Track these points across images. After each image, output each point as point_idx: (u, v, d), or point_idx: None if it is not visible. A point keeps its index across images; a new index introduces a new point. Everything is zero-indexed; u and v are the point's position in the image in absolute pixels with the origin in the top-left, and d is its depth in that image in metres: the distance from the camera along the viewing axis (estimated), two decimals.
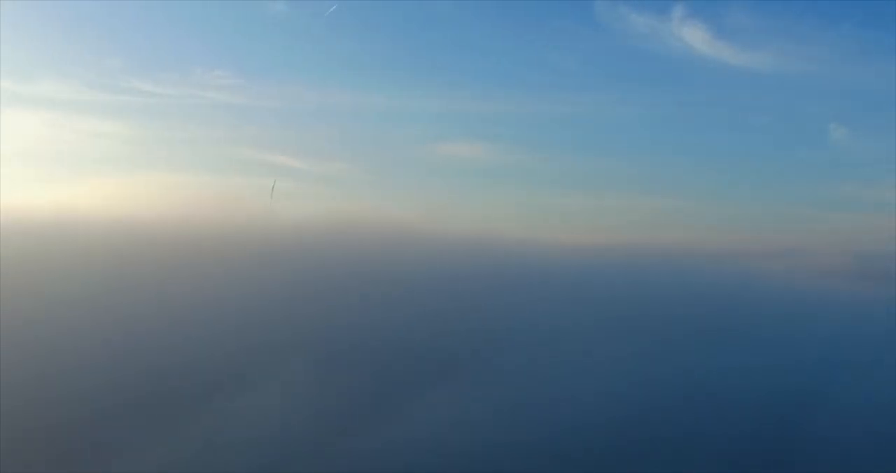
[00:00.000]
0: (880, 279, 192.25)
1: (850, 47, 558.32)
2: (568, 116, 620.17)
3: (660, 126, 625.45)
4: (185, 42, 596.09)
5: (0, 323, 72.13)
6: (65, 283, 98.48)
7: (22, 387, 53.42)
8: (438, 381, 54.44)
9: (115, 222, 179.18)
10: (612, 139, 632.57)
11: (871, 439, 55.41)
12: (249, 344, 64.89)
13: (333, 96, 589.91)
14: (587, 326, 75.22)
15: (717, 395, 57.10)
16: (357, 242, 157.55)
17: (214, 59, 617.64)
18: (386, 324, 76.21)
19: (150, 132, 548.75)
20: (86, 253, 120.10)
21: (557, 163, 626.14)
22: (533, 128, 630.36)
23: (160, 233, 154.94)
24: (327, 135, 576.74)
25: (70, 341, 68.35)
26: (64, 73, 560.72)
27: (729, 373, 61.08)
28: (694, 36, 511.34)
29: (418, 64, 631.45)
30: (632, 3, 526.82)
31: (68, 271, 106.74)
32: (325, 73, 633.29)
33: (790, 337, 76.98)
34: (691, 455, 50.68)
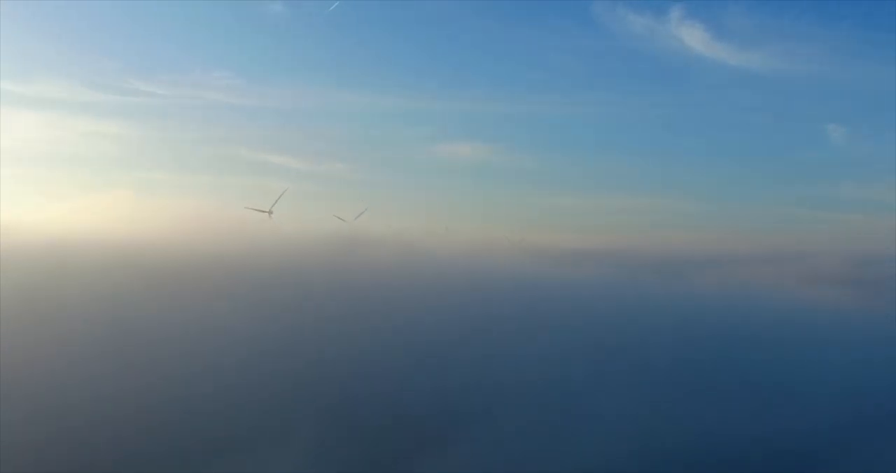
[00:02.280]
0: (879, 288, 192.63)
1: (849, 47, 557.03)
2: (566, 117, 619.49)
3: (658, 126, 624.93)
4: (184, 43, 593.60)
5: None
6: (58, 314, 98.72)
7: None
8: (439, 444, 53.36)
9: (113, 242, 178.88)
10: (610, 139, 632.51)
11: None
12: (240, 398, 63.91)
13: (332, 97, 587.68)
14: (584, 367, 74.26)
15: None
16: (354, 265, 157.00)
17: (213, 59, 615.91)
18: (379, 367, 75.43)
19: (150, 132, 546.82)
20: (81, 281, 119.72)
21: (556, 163, 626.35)
22: (531, 129, 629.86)
23: (159, 256, 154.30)
24: (327, 135, 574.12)
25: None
26: (63, 74, 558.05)
27: (739, 429, 58.92)
28: (692, 36, 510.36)
29: (417, 65, 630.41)
30: (630, 3, 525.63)
31: (60, 300, 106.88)
32: (324, 74, 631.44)
33: (796, 382, 75.58)
34: None
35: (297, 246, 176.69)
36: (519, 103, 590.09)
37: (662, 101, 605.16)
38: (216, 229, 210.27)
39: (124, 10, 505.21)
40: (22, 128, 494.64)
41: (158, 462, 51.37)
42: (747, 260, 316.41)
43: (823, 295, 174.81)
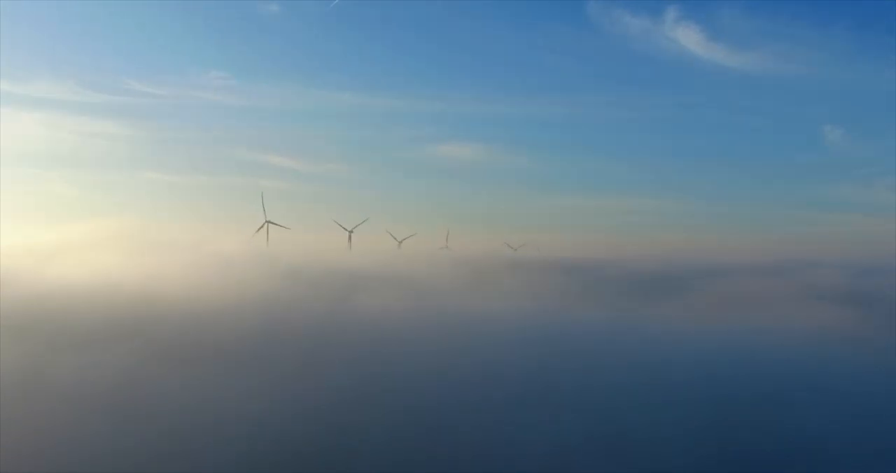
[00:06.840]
0: (882, 307, 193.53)
1: (844, 49, 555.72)
2: (563, 118, 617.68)
3: (654, 127, 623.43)
4: (181, 43, 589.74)
5: None
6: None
7: None
8: None
9: (116, 288, 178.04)
10: (606, 140, 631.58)
11: None
12: None
13: (330, 97, 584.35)
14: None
15: None
16: (354, 314, 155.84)
17: (210, 60, 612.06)
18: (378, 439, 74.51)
19: (146, 132, 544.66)
20: (82, 349, 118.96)
21: (553, 164, 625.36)
22: (528, 130, 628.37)
23: (162, 308, 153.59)
24: (323, 135, 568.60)
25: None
26: (60, 74, 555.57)
27: None
28: (688, 37, 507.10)
29: (415, 65, 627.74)
30: (625, 5, 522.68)
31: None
32: (320, 74, 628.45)
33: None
34: None
35: (297, 284, 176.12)
36: (514, 105, 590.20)
37: (659, 103, 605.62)
38: (219, 261, 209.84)
39: (122, 11, 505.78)
40: (21, 128, 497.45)
41: None
42: (745, 271, 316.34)
43: (826, 320, 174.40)
